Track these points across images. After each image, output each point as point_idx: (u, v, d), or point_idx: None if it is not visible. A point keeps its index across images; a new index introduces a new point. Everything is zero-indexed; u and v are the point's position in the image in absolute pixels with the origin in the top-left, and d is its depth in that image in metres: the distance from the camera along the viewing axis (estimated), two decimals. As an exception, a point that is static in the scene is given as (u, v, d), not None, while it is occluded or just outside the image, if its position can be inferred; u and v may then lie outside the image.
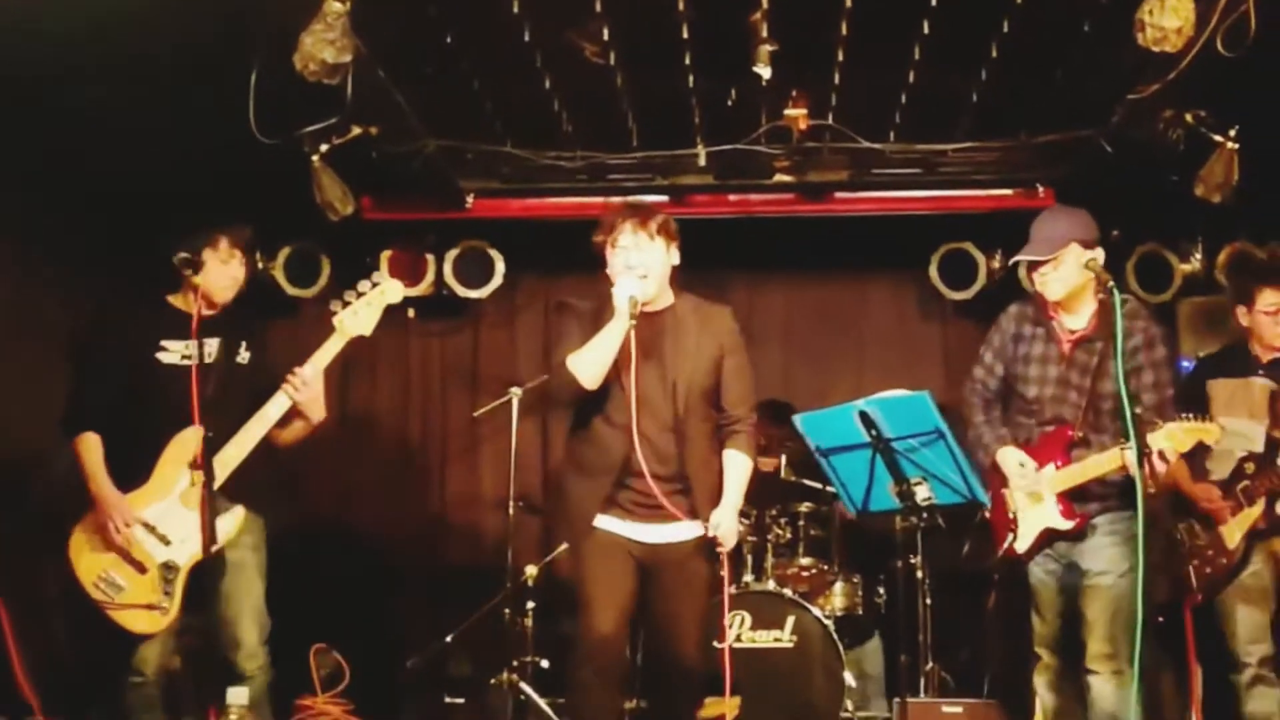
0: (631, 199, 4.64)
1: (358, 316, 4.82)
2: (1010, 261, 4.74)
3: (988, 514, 4.95)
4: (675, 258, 4.56)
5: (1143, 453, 4.09)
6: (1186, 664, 5.84)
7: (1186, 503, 5.08)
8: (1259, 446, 4.91)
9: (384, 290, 4.90)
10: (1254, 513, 4.86)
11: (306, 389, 4.74)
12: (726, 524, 4.48)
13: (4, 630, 4.37)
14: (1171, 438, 4.37)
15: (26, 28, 4.64)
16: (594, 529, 4.53)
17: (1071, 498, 4.63)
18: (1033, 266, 4.73)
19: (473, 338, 7.64)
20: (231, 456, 4.66)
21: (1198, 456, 5.03)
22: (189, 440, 4.64)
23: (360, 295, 4.89)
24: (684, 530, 4.54)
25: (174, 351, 4.79)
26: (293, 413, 4.80)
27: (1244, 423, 5.03)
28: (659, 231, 4.47)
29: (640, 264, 4.44)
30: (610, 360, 4.41)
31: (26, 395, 5.73)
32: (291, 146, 5.57)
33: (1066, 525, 4.63)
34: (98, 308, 5.20)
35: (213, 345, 4.75)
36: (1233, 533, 4.92)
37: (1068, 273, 4.62)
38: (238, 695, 2.38)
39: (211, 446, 4.54)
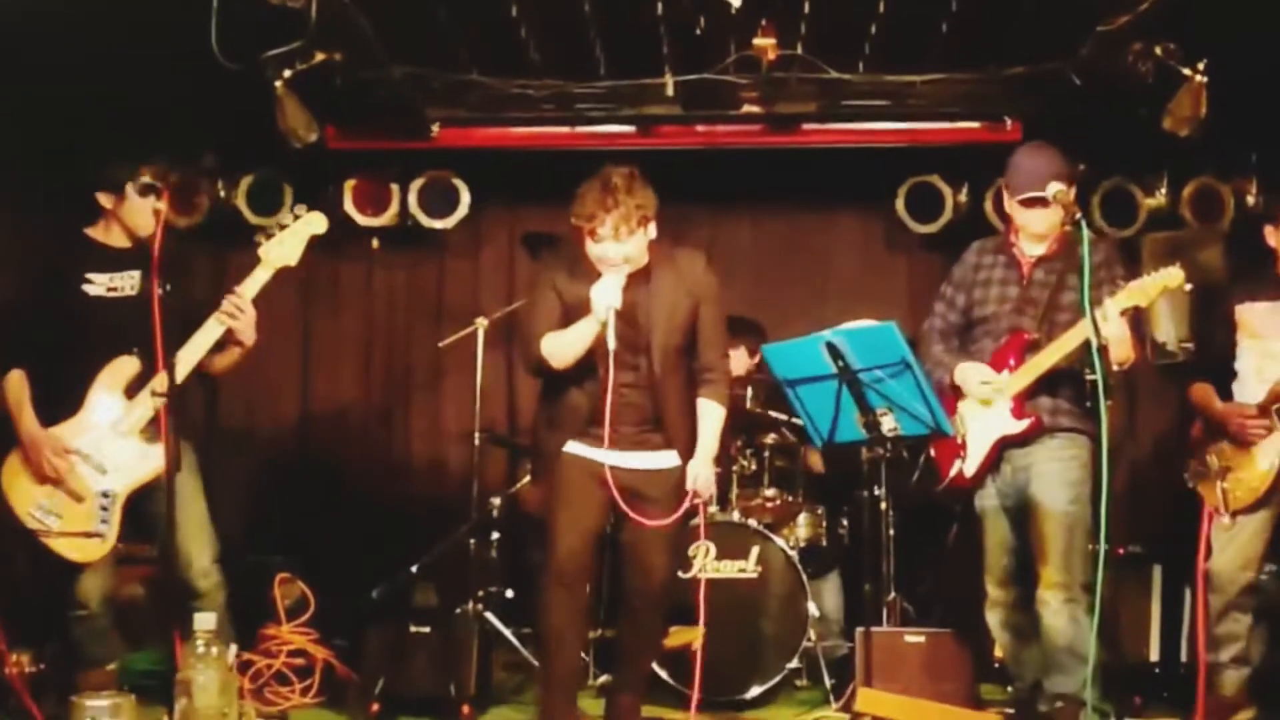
0: (614, 180, 4.51)
1: (283, 246, 4.77)
2: (1018, 198, 4.71)
3: (934, 449, 5.00)
4: (653, 233, 4.53)
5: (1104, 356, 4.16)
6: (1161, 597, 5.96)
7: (1216, 427, 5.07)
8: None
9: (308, 221, 4.85)
10: None
11: (243, 316, 4.69)
12: (704, 475, 4.56)
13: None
14: (1132, 294, 4.46)
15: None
16: (565, 454, 4.57)
17: (1024, 399, 4.69)
18: (1030, 203, 4.74)
19: (438, 269, 7.61)
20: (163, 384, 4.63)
21: (1225, 378, 5.09)
22: (120, 369, 4.63)
23: (284, 227, 4.84)
24: (654, 459, 4.59)
25: (98, 283, 4.76)
26: (227, 339, 4.74)
27: (1275, 344, 5.02)
28: (639, 224, 4.42)
29: (620, 256, 4.43)
30: (584, 351, 4.44)
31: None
32: (254, 72, 5.51)
33: (1018, 426, 4.69)
34: (22, 250, 5.14)
35: (135, 277, 4.73)
36: (1266, 455, 4.90)
37: (1050, 213, 4.69)
38: (204, 620, 2.38)
39: (146, 374, 4.56)
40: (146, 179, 4.73)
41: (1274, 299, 5.03)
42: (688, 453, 4.58)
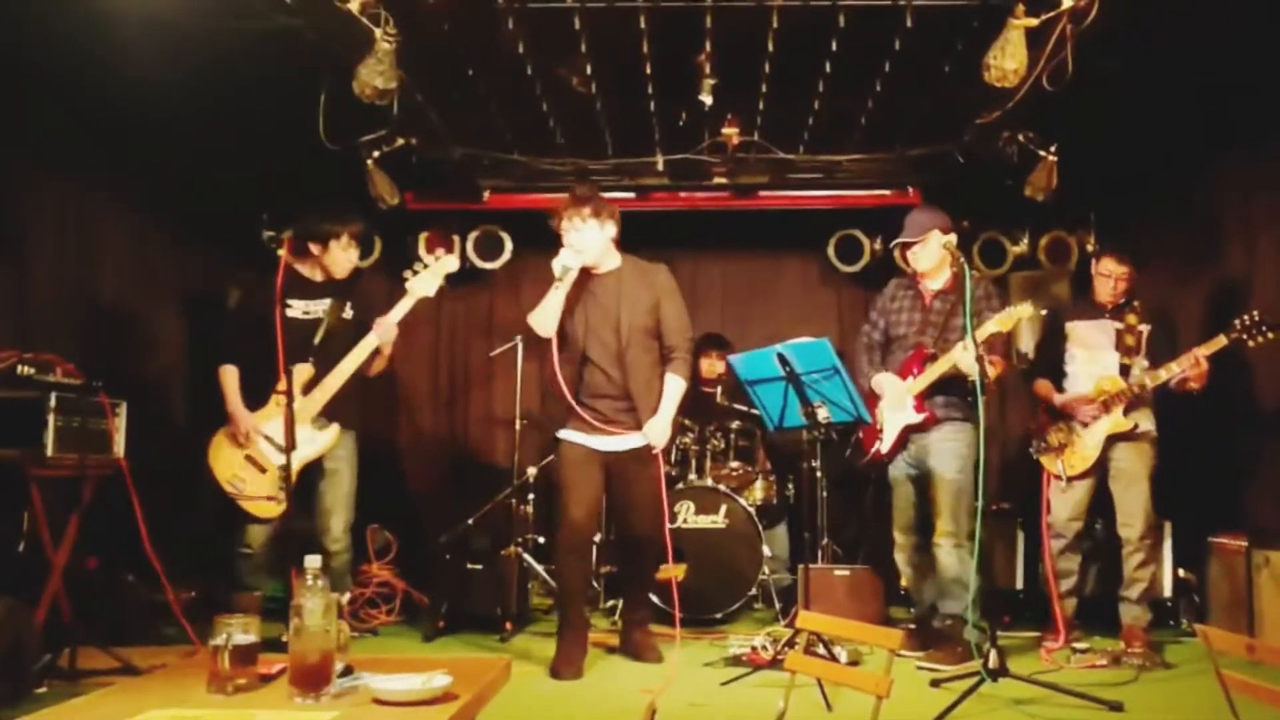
0: (577, 187, 4.64)
1: (423, 281, 4.83)
2: (891, 244, 4.82)
3: (861, 433, 5.00)
4: (611, 231, 4.55)
5: (982, 364, 4.16)
6: (1023, 540, 5.95)
7: (1057, 413, 5.07)
8: (1114, 369, 4.90)
9: (444, 261, 4.90)
10: (1114, 418, 4.85)
11: (391, 334, 4.79)
12: (655, 430, 4.51)
13: (137, 514, 4.30)
14: (999, 321, 4.49)
15: (163, 76, 4.66)
16: (563, 440, 4.53)
17: (924, 397, 4.72)
18: (906, 246, 4.83)
19: (489, 299, 7.57)
20: (331, 384, 4.69)
21: (1058, 377, 5.13)
22: (300, 373, 4.64)
23: (426, 266, 4.87)
24: (630, 441, 4.54)
25: (296, 307, 4.79)
26: (375, 351, 4.83)
27: (1095, 352, 5.01)
28: (591, 215, 4.47)
29: (578, 241, 4.45)
30: (557, 314, 4.44)
31: (146, 335, 5.71)
32: (352, 152, 5.51)
33: (919, 417, 4.74)
34: (245, 278, 5.21)
35: (325, 304, 4.74)
36: (1095, 433, 4.91)
37: (931, 251, 4.79)
38: (313, 560, 2.34)
39: (317, 378, 4.66)
40: (347, 236, 4.86)
41: (1095, 318, 5.05)
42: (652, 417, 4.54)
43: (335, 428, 4.72)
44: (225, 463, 4.64)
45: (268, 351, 4.70)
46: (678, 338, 4.61)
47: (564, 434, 4.54)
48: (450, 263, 4.92)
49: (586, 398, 4.48)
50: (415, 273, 4.89)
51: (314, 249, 4.83)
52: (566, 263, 4.38)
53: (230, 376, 4.74)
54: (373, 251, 6.94)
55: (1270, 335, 4.50)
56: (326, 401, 4.71)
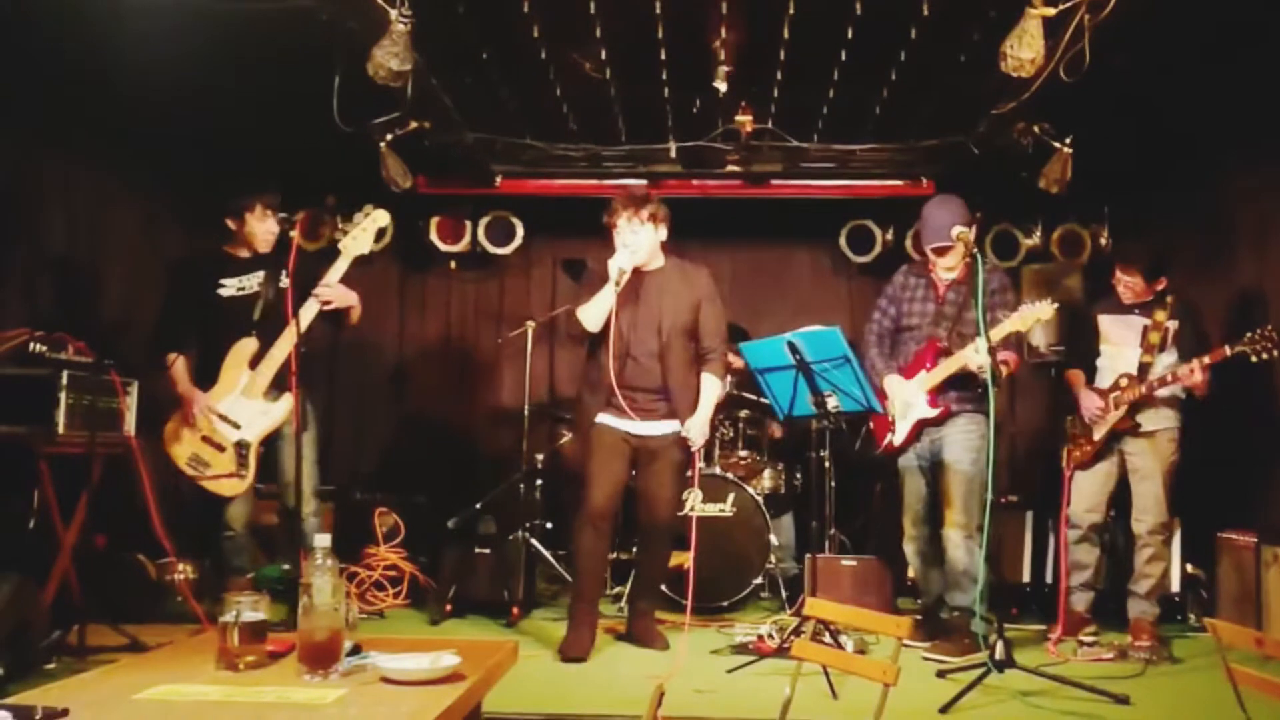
0: (632, 188, 4.68)
1: (356, 240, 4.75)
2: (927, 245, 4.76)
3: (872, 423, 4.98)
4: (663, 235, 4.59)
5: (993, 357, 4.16)
6: (1031, 535, 5.93)
7: (1073, 404, 5.09)
8: (1134, 369, 4.90)
9: (374, 217, 4.81)
10: (1117, 415, 4.86)
11: (330, 292, 4.68)
12: (696, 429, 4.55)
13: (146, 492, 4.32)
14: (1015, 322, 4.46)
15: (173, 56, 4.65)
16: (598, 424, 4.54)
17: (937, 391, 4.69)
18: (940, 250, 4.75)
19: (499, 284, 7.57)
20: (278, 356, 4.63)
21: (1090, 369, 5.12)
22: (244, 348, 4.63)
23: (357, 224, 4.80)
24: (663, 427, 4.58)
25: (229, 286, 4.76)
26: (334, 314, 4.75)
27: (1120, 348, 5.00)
28: (649, 219, 4.49)
29: (633, 242, 4.45)
30: (607, 311, 4.44)
31: (154, 308, 5.71)
32: (364, 135, 5.51)
33: (933, 412, 4.71)
34: (172, 264, 5.14)
35: (259, 278, 4.71)
36: (1100, 429, 4.92)
37: (960, 250, 4.71)
38: (323, 540, 2.34)
39: (263, 351, 4.58)
40: (259, 206, 4.74)
41: (1123, 313, 5.02)
42: (688, 411, 4.55)
43: (288, 397, 4.66)
44: (182, 447, 4.60)
45: (208, 332, 4.70)
46: (715, 339, 4.65)
47: (600, 418, 4.56)
48: (381, 217, 4.84)
49: (624, 388, 4.49)
50: (346, 232, 4.86)
51: (231, 224, 4.78)
52: (623, 265, 4.39)
53: (176, 363, 4.69)
54: (384, 236, 6.93)
55: (1276, 354, 4.46)
56: (275, 373, 4.67)
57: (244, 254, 4.81)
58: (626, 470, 4.61)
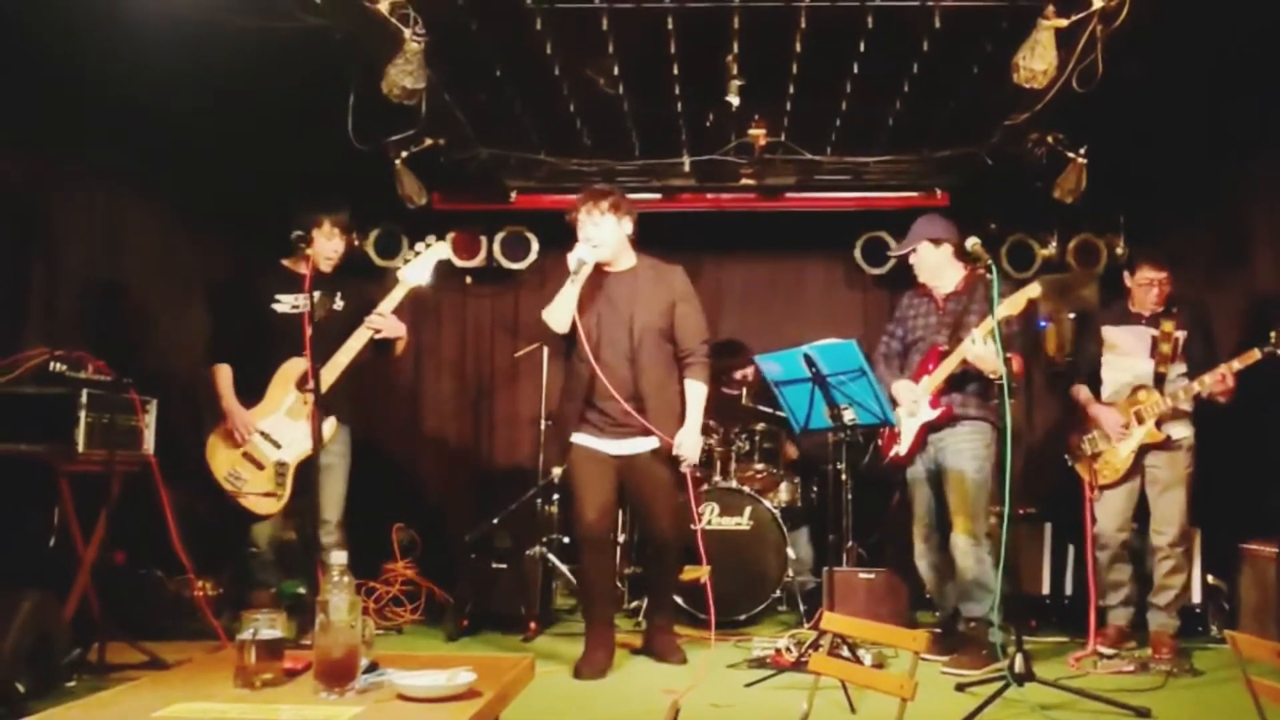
0: (597, 188, 4.62)
1: (414, 269, 4.78)
2: (888, 253, 4.94)
3: (880, 438, 4.99)
4: (628, 228, 4.51)
5: (1009, 366, 4.16)
6: (1050, 546, 5.88)
7: (1091, 422, 5.07)
8: (1149, 379, 4.88)
9: (435, 249, 4.88)
10: (1146, 429, 4.83)
11: (383, 322, 4.72)
12: (688, 444, 4.45)
13: (165, 509, 4.34)
14: (1007, 305, 4.42)
15: (190, 75, 4.71)
16: (575, 444, 4.50)
17: (939, 393, 4.72)
18: (902, 256, 5.01)
19: (514, 299, 7.57)
20: (327, 378, 4.61)
21: (1096, 382, 5.12)
22: (292, 368, 4.64)
23: (418, 254, 4.85)
24: (640, 444, 4.49)
25: (285, 302, 4.77)
26: (382, 342, 4.78)
27: (1130, 360, 5.00)
28: (608, 209, 4.44)
29: (595, 234, 4.43)
30: (571, 309, 4.38)
31: (172, 333, 5.75)
32: (380, 152, 5.54)
33: (934, 413, 4.73)
34: (232, 272, 5.17)
35: (315, 297, 4.71)
36: (1127, 444, 4.89)
37: (925, 261, 4.87)
38: (339, 557, 2.36)
39: (312, 371, 4.56)
40: (328, 224, 4.78)
41: (1131, 324, 5.01)
42: (667, 424, 4.44)
43: (332, 421, 4.68)
44: (222, 461, 4.63)
45: (257, 348, 4.71)
46: (694, 341, 4.55)
47: (576, 438, 4.51)
48: (441, 249, 4.89)
49: (597, 399, 4.43)
50: (407, 261, 4.89)
51: (299, 243, 4.80)
52: (582, 256, 4.35)
53: (223, 375, 4.71)
54: (400, 252, 6.96)
55: None
56: (322, 395, 4.68)
57: (304, 270, 4.83)
58: (614, 486, 4.51)
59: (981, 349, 4.41)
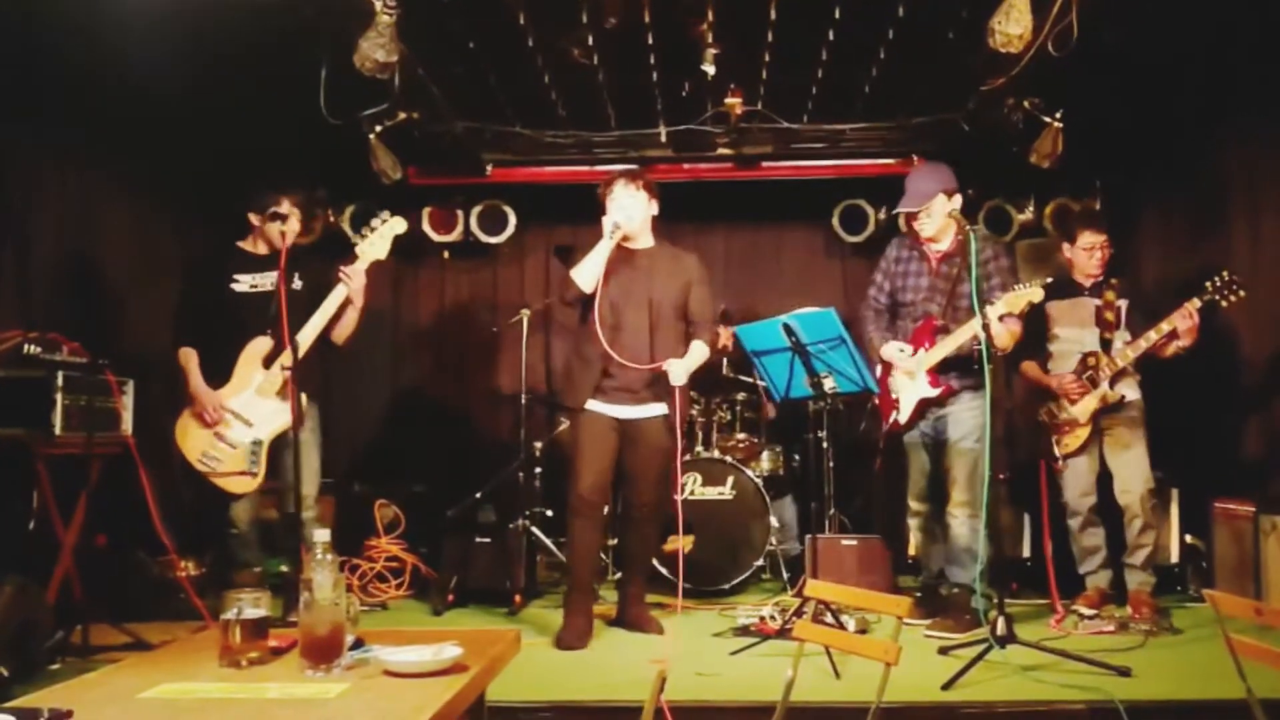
0: (619, 167, 4.70)
1: (373, 245, 4.75)
2: (892, 212, 4.80)
3: (877, 400, 4.97)
4: (654, 209, 4.65)
5: (988, 332, 4.16)
6: (1029, 511, 5.91)
7: (1044, 393, 5.09)
8: (1096, 346, 4.93)
9: (391, 223, 4.82)
10: (1102, 390, 4.88)
11: (355, 279, 4.68)
12: (676, 368, 4.48)
13: (146, 491, 4.32)
14: (1007, 303, 4.43)
15: (159, 51, 4.62)
16: (588, 410, 4.54)
17: (937, 371, 4.69)
18: (910, 214, 4.77)
19: (492, 273, 7.56)
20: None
21: (1042, 358, 5.15)
22: (258, 346, 4.61)
23: (374, 229, 4.80)
24: (650, 410, 4.57)
25: (244, 282, 4.74)
26: (344, 304, 4.73)
27: (1077, 330, 5.05)
28: (643, 188, 4.58)
29: (628, 206, 4.51)
30: (600, 270, 4.44)
31: (147, 314, 5.70)
32: (354, 127, 5.48)
33: (934, 392, 4.70)
34: (187, 257, 5.12)
35: (272, 276, 4.66)
36: (1086, 408, 4.93)
37: (936, 216, 4.68)
38: (323, 534, 2.35)
39: (277, 349, 4.54)
40: (280, 208, 4.70)
41: (1073, 296, 5.08)
42: (675, 399, 4.52)
43: (302, 397, 4.66)
44: (194, 443, 4.59)
45: (220, 329, 4.67)
46: (704, 316, 4.69)
47: (590, 405, 4.55)
48: (398, 224, 4.85)
49: (613, 366, 4.50)
50: (363, 236, 4.85)
51: (254, 220, 4.77)
52: (617, 219, 4.47)
53: (189, 357, 4.67)
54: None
55: (1242, 294, 4.58)
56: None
57: (261, 251, 4.80)
58: (614, 457, 4.59)
59: (993, 329, 4.33)
